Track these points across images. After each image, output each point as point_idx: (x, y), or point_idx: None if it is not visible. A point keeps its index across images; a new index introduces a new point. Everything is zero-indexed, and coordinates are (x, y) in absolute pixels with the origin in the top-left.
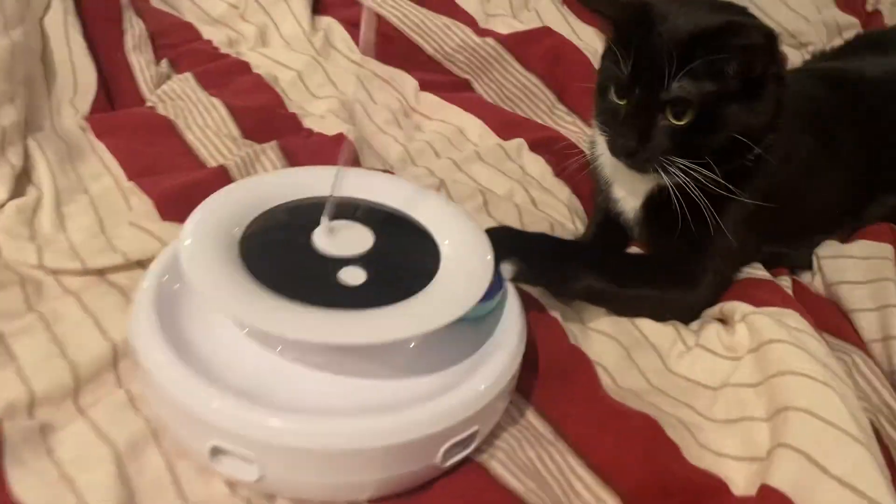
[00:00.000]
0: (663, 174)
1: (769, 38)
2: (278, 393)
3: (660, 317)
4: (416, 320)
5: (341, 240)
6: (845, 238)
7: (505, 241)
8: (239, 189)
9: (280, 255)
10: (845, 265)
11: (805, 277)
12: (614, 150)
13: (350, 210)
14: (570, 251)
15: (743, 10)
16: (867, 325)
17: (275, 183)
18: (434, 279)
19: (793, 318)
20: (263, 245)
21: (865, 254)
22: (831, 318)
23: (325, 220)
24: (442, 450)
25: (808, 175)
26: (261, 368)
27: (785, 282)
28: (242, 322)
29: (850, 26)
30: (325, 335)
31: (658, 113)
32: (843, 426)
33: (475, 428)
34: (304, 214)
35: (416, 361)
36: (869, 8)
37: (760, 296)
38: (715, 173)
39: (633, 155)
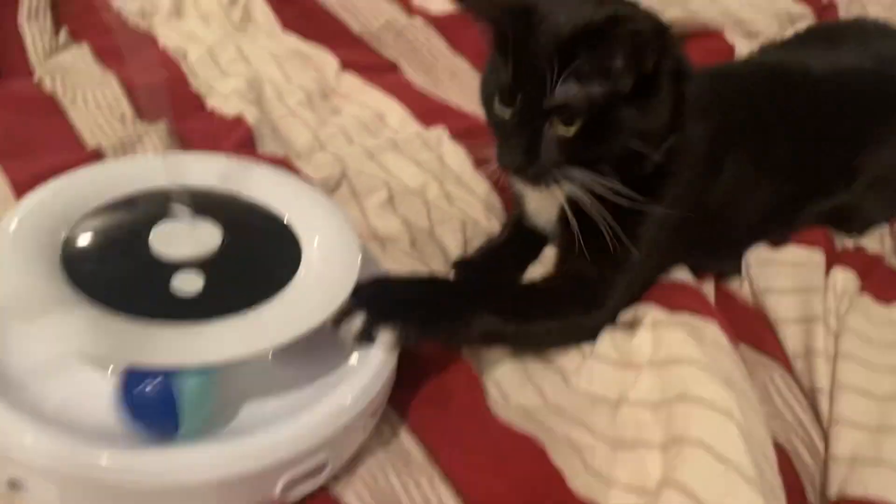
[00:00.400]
0: (559, 186)
1: (658, 29)
2: (90, 417)
3: (563, 344)
4: (253, 336)
5: (184, 240)
6: (777, 242)
7: (378, 301)
8: (72, 181)
9: (109, 259)
10: (774, 272)
11: (734, 283)
12: (503, 164)
13: (200, 204)
14: (458, 294)
15: (632, 5)
16: (791, 337)
17: (116, 173)
18: (287, 286)
19: (710, 330)
20: (91, 247)
21: (796, 260)
22: (754, 330)
23: (169, 218)
24: (280, 484)
25: (734, 179)
26: (77, 387)
27: (708, 288)
28: (34, 334)
29: (803, 17)
30: (133, 354)
31: (544, 122)
32: (738, 465)
33: (322, 457)
34: (144, 210)
35: (258, 382)
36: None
37: (680, 300)
38: (616, 182)
39: (522, 170)
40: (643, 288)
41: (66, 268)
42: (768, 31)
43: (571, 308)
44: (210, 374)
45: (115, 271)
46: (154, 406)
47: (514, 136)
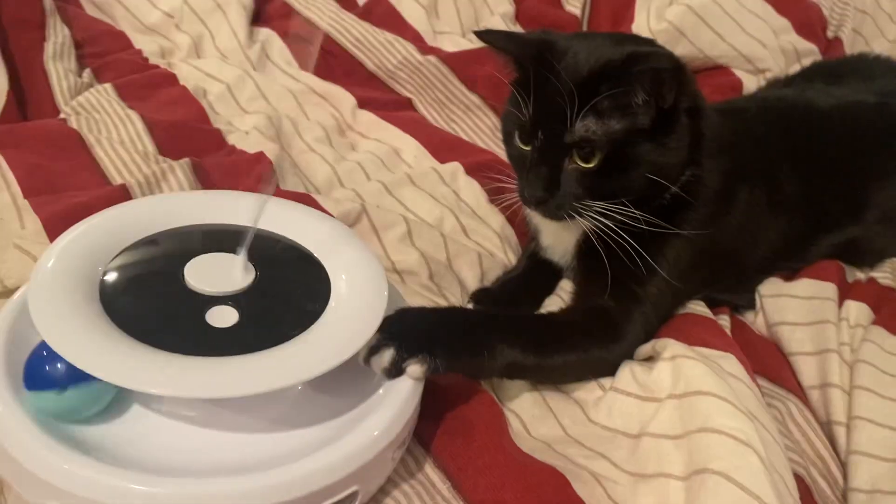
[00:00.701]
0: (579, 220)
1: (676, 66)
2: (133, 447)
3: (583, 378)
4: (285, 370)
5: (218, 275)
6: (790, 276)
7: (405, 334)
8: (110, 216)
9: (144, 294)
10: (787, 305)
11: (748, 316)
12: (524, 199)
13: (234, 241)
14: (481, 326)
15: (649, 42)
16: (806, 370)
17: (153, 209)
18: (318, 321)
19: (728, 363)
20: (128, 282)
21: (808, 293)
22: (769, 362)
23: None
24: None
25: (745, 215)
26: (116, 419)
27: (724, 321)
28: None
29: (809, 53)
30: (171, 388)
31: (564, 157)
32: (759, 494)
33: (353, 489)
34: (181, 245)
35: (291, 414)
36: (829, 35)
37: (698, 333)
38: (634, 214)
39: (542, 203)
40: (661, 321)
41: (105, 303)
42: (775, 67)
43: (591, 341)
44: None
45: (150, 306)
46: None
47: (534, 171)
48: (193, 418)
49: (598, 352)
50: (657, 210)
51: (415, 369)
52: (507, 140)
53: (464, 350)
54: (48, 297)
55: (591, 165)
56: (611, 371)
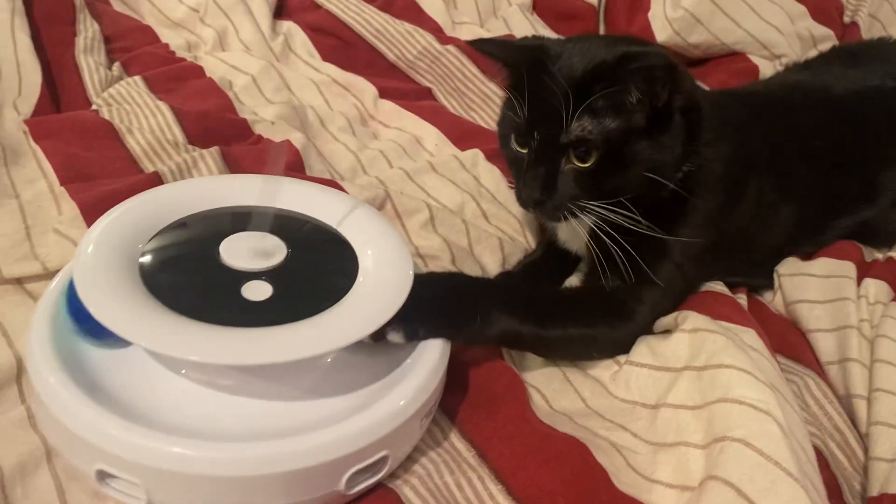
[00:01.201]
0: (577, 219)
1: (668, 65)
2: (175, 415)
3: (586, 356)
4: (318, 339)
5: (252, 252)
6: (807, 256)
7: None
8: (146, 199)
9: (182, 269)
10: (805, 283)
11: (766, 296)
12: (521, 202)
13: (266, 221)
14: (481, 292)
15: (644, 43)
16: (824, 346)
17: (186, 193)
18: (347, 295)
19: (749, 336)
20: (166, 259)
21: (826, 272)
22: (787, 339)
23: (241, 233)
24: (345, 477)
25: (758, 198)
26: (158, 389)
27: (741, 300)
28: (124, 338)
29: (826, 38)
30: (210, 354)
31: (560, 157)
32: (779, 461)
33: (383, 453)
34: (214, 226)
35: (326, 381)
36: (846, 20)
37: (718, 309)
38: (632, 212)
39: (540, 205)
40: (673, 305)
41: (145, 279)
42: (791, 52)
43: (596, 318)
44: None
45: (189, 281)
46: None
47: (531, 173)
48: (231, 387)
49: (603, 329)
50: (660, 205)
51: (392, 336)
52: (504, 144)
53: (455, 315)
54: (92, 273)
55: (587, 165)
56: (615, 350)
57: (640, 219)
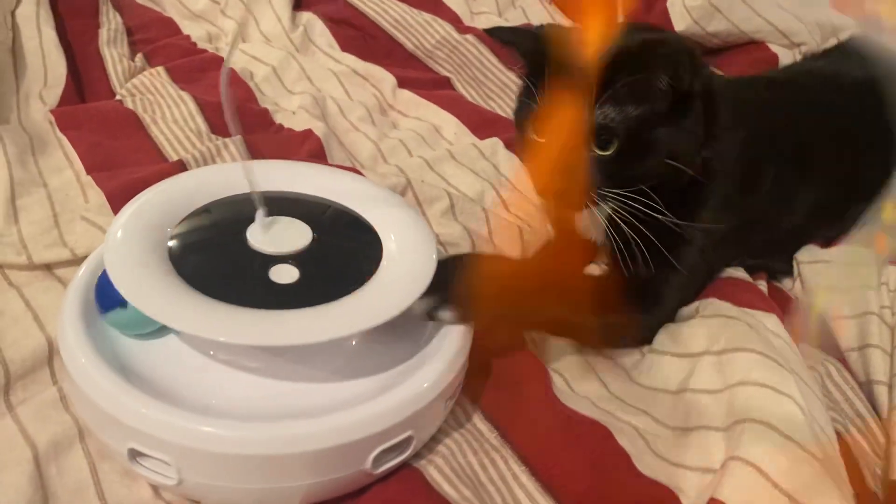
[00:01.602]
0: (596, 208)
1: (690, 51)
2: (203, 395)
3: (612, 344)
4: (345, 320)
5: (277, 237)
6: (827, 244)
7: (441, 278)
8: (174, 184)
9: (210, 253)
10: (825, 270)
11: (785, 283)
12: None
13: (290, 206)
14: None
15: (659, 30)
16: (845, 333)
17: (213, 178)
18: (372, 278)
19: (771, 321)
20: (194, 242)
21: (847, 259)
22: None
23: (260, 216)
24: (371, 456)
25: (775, 184)
26: (187, 370)
27: (761, 286)
28: (155, 320)
29: (846, 27)
30: (241, 336)
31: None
32: (800, 441)
33: (408, 433)
34: (242, 210)
35: (352, 363)
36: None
37: (741, 296)
38: (654, 200)
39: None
40: (698, 290)
41: (174, 262)
42: (811, 41)
43: (625, 304)
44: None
45: (217, 264)
46: None
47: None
48: (259, 369)
49: (632, 315)
50: (680, 192)
51: (445, 315)
52: (521, 131)
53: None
54: (123, 256)
55: (608, 153)
56: (638, 340)
57: (661, 206)
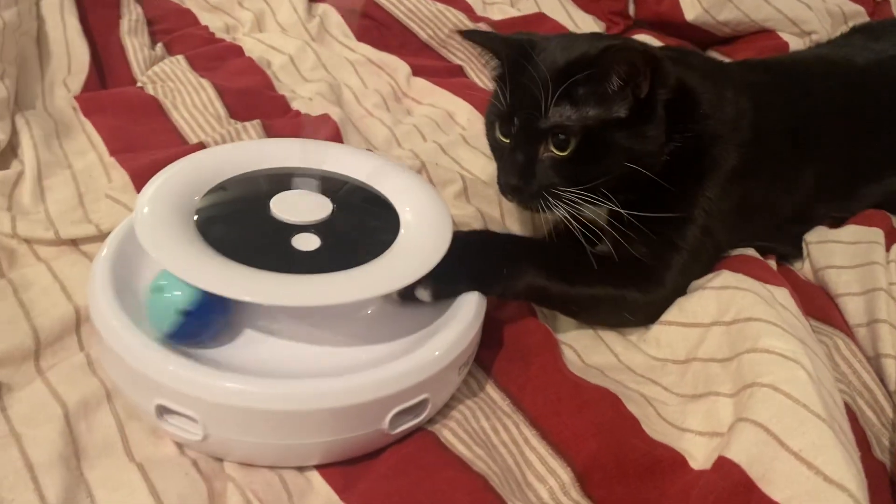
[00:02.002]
0: (550, 211)
1: (650, 56)
2: (228, 355)
3: (615, 320)
4: (364, 285)
5: (300, 208)
6: (835, 224)
7: None
8: (200, 158)
9: (236, 222)
10: (833, 249)
11: (795, 265)
12: (500, 187)
13: (312, 180)
14: (511, 248)
15: (627, 39)
16: (853, 308)
17: (237, 153)
18: (390, 248)
19: (782, 294)
20: (221, 213)
21: (854, 238)
22: (816, 302)
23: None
24: (389, 416)
25: (777, 167)
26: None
27: (771, 265)
28: (184, 280)
29: (857, 15)
30: (265, 296)
31: (539, 145)
32: (808, 403)
33: (424, 396)
34: (265, 184)
35: (369, 330)
36: None
37: (752, 271)
38: (610, 199)
39: (517, 191)
40: (705, 268)
41: (201, 230)
42: (822, 29)
43: (626, 281)
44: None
45: (243, 232)
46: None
47: (509, 159)
48: (282, 331)
49: (632, 292)
50: (680, 170)
51: (420, 293)
52: (489, 131)
53: (481, 270)
54: (152, 224)
55: (565, 153)
56: (645, 314)
57: (619, 206)
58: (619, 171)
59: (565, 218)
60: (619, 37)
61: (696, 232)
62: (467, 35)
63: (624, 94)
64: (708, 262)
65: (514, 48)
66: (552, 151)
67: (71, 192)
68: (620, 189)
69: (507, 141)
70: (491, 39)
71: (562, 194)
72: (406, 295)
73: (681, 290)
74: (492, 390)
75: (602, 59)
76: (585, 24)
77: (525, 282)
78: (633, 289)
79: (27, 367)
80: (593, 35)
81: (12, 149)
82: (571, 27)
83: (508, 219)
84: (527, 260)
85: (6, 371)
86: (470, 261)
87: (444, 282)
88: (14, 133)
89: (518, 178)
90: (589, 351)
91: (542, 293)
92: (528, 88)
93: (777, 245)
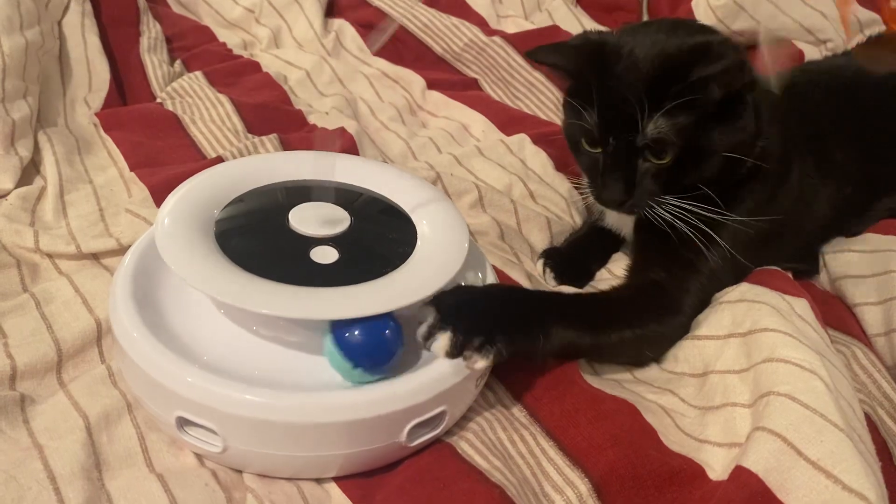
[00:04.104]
0: (656, 213)
1: (742, 57)
2: (247, 368)
3: (640, 355)
4: (382, 298)
5: (318, 221)
6: (851, 234)
7: (462, 315)
8: (219, 172)
9: (254, 235)
10: (850, 259)
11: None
12: (602, 201)
13: (330, 193)
14: (534, 308)
15: (702, 28)
16: (871, 318)
17: (255, 166)
18: (408, 260)
19: (800, 305)
20: (240, 226)
21: (871, 247)
22: (834, 312)
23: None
24: (406, 428)
25: (801, 182)
26: (232, 344)
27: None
28: (204, 293)
29: (872, 23)
30: (285, 309)
31: (637, 158)
32: (824, 412)
33: (442, 408)
34: (283, 197)
35: None
36: (893, 4)
37: (771, 282)
38: (712, 198)
39: (622, 205)
40: (717, 293)
41: (221, 244)
42: (837, 37)
43: (646, 316)
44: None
45: (261, 246)
46: (367, 346)
47: (610, 175)
48: (300, 344)
49: (654, 326)
50: (727, 191)
51: (477, 362)
52: (575, 149)
53: (519, 333)
54: (172, 237)
55: (665, 161)
56: (668, 345)
57: (721, 205)
58: (719, 167)
59: (659, 217)
60: (687, 23)
61: (721, 253)
62: (531, 55)
63: (721, 94)
64: (726, 285)
65: (589, 61)
66: (652, 161)
67: (92, 206)
68: (719, 183)
69: (599, 153)
70: (560, 55)
71: (665, 201)
72: (460, 356)
73: (698, 313)
74: (508, 401)
75: (696, 65)
76: None
77: (560, 343)
78: (652, 323)
79: (49, 380)
80: (663, 25)
81: (35, 165)
82: None
83: (525, 226)
84: (556, 319)
85: (29, 384)
86: (509, 324)
87: (500, 346)
88: (36, 150)
89: (623, 194)
90: (605, 366)
91: (575, 350)
92: (616, 104)
93: (797, 265)
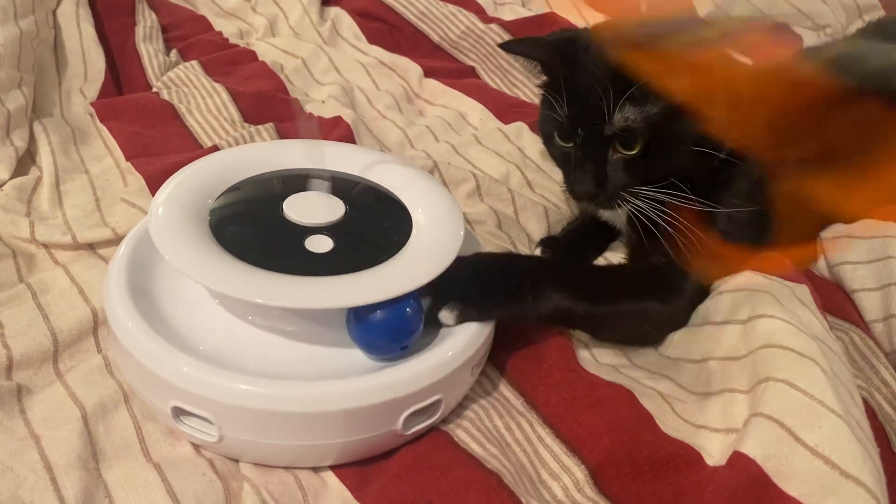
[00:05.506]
0: (629, 205)
1: None
2: (243, 358)
3: (637, 334)
4: (377, 287)
5: (312, 210)
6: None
7: (442, 280)
8: (214, 161)
9: (249, 224)
10: (848, 245)
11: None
12: (574, 194)
13: (324, 182)
14: (530, 270)
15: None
16: (869, 304)
17: (249, 155)
18: (403, 249)
19: (801, 291)
20: (234, 215)
21: (870, 233)
22: (831, 298)
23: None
24: (402, 417)
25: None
26: (227, 334)
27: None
28: (198, 283)
29: (871, 8)
30: (279, 299)
31: (607, 148)
32: (822, 399)
33: (437, 397)
34: (277, 186)
35: None
36: None
37: (771, 269)
38: (684, 190)
39: (594, 198)
40: (723, 276)
41: (215, 233)
42: (836, 23)
43: (646, 293)
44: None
45: (256, 235)
46: (386, 328)
47: (580, 167)
48: (295, 333)
49: (653, 303)
50: (711, 181)
51: (444, 315)
52: (548, 141)
53: (505, 295)
54: (166, 227)
55: (634, 152)
56: (667, 325)
57: (692, 196)
58: (688, 159)
59: (639, 210)
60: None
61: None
62: (508, 47)
63: None
64: (726, 269)
65: (560, 54)
66: (621, 152)
67: (88, 196)
68: (692, 177)
69: (570, 147)
70: (532, 47)
71: (638, 192)
72: (428, 318)
73: (701, 298)
74: (505, 389)
75: None
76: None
77: (551, 305)
78: (653, 300)
79: (46, 370)
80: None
81: (31, 155)
82: (582, 26)
83: (522, 215)
84: (550, 282)
85: (25, 374)
86: (493, 285)
87: (468, 306)
88: (32, 140)
89: (594, 186)
90: (602, 351)
91: (567, 314)
92: (585, 96)
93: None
